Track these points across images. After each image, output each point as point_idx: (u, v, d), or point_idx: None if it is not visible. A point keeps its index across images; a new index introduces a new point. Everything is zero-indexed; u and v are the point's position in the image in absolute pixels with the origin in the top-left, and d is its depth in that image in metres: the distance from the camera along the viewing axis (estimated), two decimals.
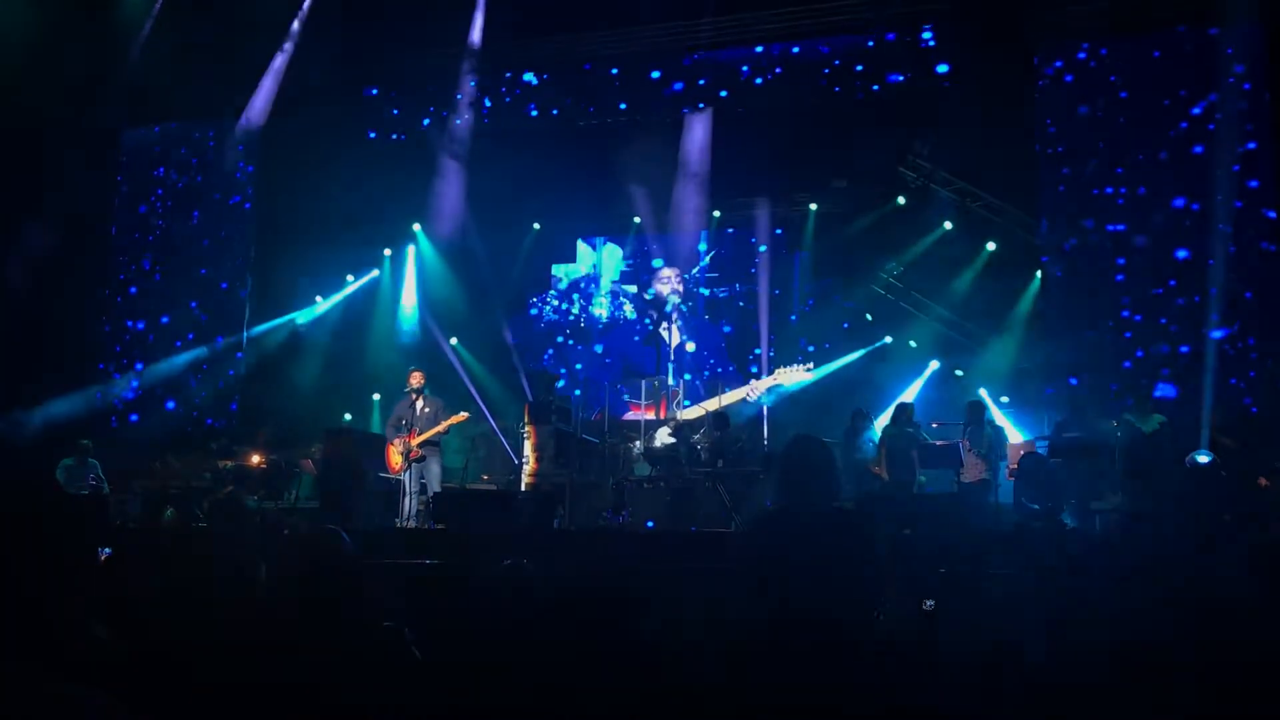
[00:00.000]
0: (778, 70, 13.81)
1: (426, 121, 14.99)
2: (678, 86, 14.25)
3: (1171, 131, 11.66)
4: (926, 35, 13.03)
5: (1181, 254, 11.45)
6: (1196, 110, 11.58)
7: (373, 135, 14.99)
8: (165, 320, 14.89)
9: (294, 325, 15.31)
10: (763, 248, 15.19)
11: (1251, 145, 11.26)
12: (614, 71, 14.21)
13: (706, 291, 15.71)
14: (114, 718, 1.40)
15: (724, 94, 14.07)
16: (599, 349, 16.02)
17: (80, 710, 1.38)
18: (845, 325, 14.75)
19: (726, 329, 15.48)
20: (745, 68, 13.96)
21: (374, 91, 14.89)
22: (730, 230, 15.70)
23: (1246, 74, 11.32)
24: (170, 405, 14.59)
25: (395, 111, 15.06)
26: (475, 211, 14.99)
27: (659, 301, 15.60)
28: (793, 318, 15.13)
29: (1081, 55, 12.20)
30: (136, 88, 13.91)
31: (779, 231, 15.34)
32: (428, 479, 10.25)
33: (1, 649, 1.66)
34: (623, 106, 14.40)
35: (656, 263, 15.74)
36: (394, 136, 15.06)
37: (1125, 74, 11.97)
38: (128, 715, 1.40)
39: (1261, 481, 8.87)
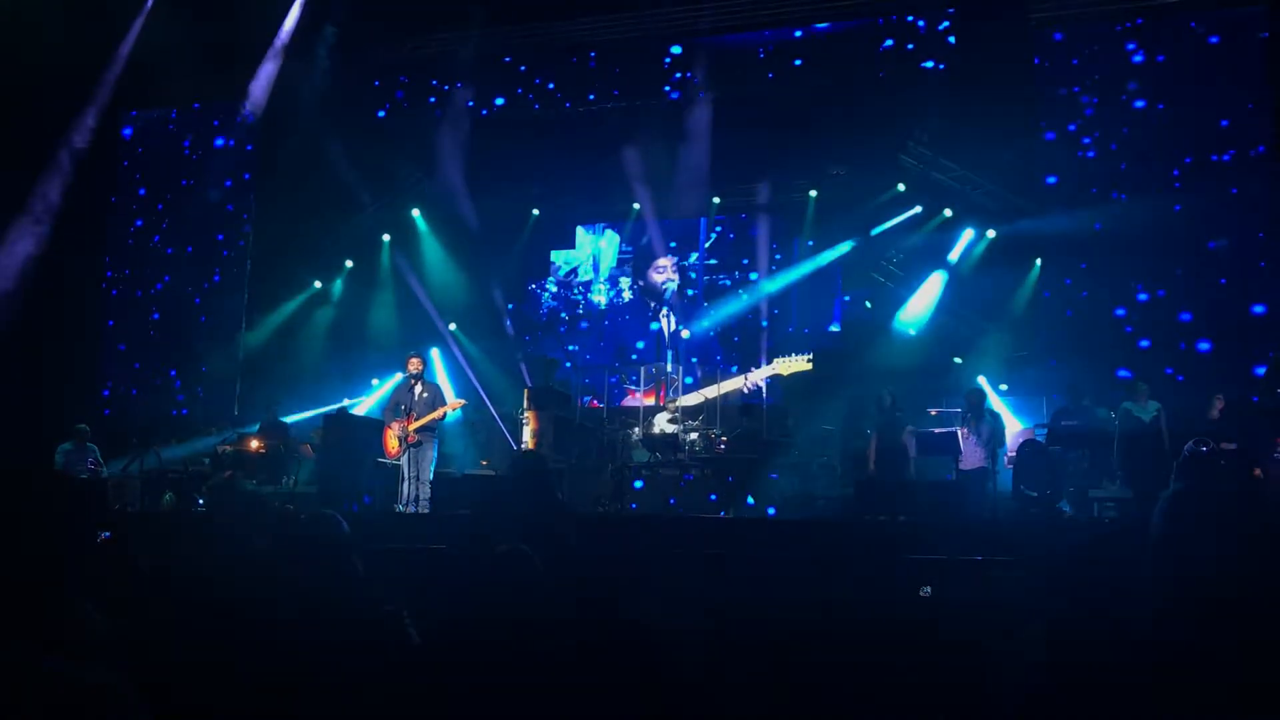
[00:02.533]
0: (777, 56, 13.75)
1: (426, 106, 14.94)
2: (677, 72, 14.19)
3: (1169, 114, 11.63)
4: (926, 20, 12.98)
5: (1186, 230, 11.44)
6: (1198, 89, 11.56)
7: (380, 114, 14.94)
8: (163, 301, 14.87)
9: (292, 309, 15.29)
10: (762, 234, 15.15)
11: (1250, 105, 11.25)
12: (614, 57, 14.14)
13: (706, 277, 15.69)
14: (117, 698, 1.40)
15: (724, 79, 14.00)
16: (598, 335, 16.01)
17: (84, 691, 1.38)
18: (845, 313, 14.72)
19: (725, 316, 15.45)
20: (745, 53, 13.89)
21: (373, 76, 14.82)
22: (729, 217, 15.66)
23: (1248, 52, 11.32)
24: (169, 390, 14.58)
25: (396, 95, 15.01)
26: (474, 197, 14.96)
27: (656, 288, 15.58)
28: (792, 304, 15.10)
29: (1083, 38, 12.16)
30: (136, 70, 13.87)
31: (779, 218, 15.30)
32: (422, 465, 10.26)
33: (6, 630, 1.66)
34: (621, 92, 14.34)
35: (653, 242, 15.71)
36: (391, 108, 15.01)
37: (1125, 55, 11.93)
38: (131, 695, 1.40)
39: (1256, 472, 8.86)
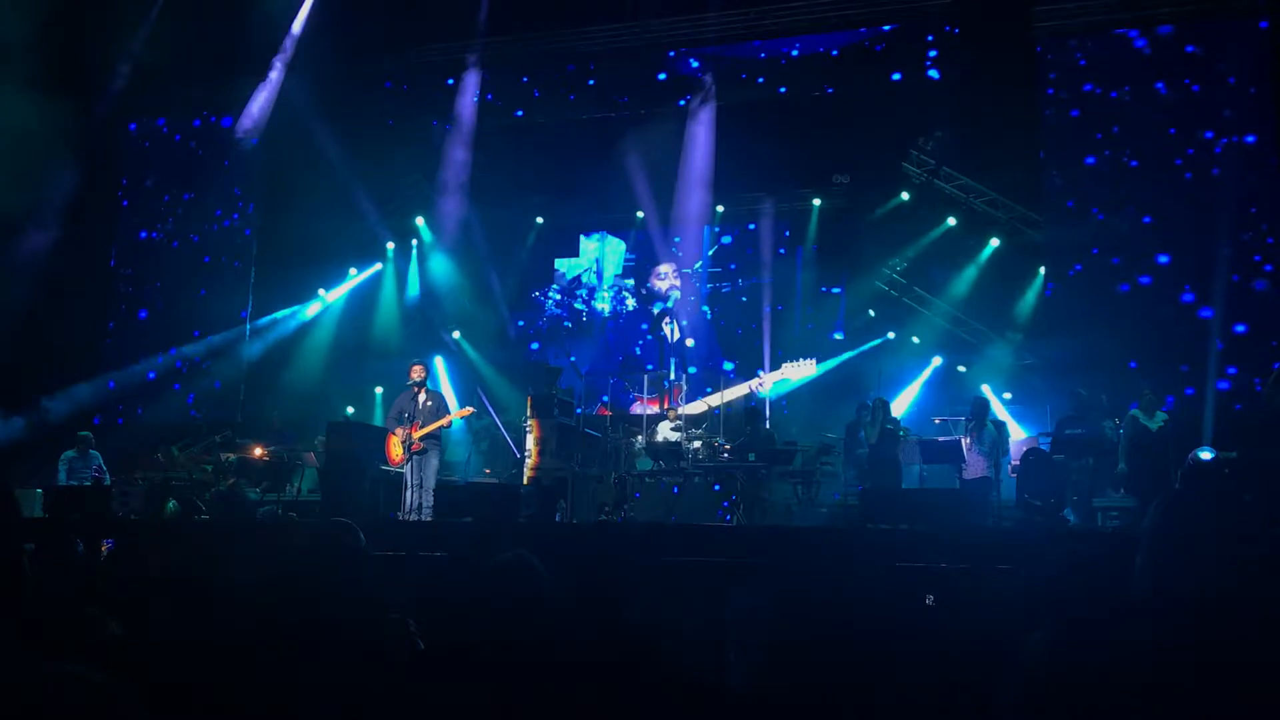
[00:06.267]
0: (782, 65, 13.79)
1: (430, 114, 14.99)
2: (682, 81, 14.23)
3: (1173, 127, 11.63)
4: (931, 30, 13.02)
5: (1189, 242, 11.42)
6: (1201, 102, 11.56)
7: (384, 123, 14.98)
8: (168, 309, 14.89)
9: (297, 318, 15.31)
10: (766, 243, 15.16)
11: (1250, 139, 11.26)
12: (618, 65, 14.18)
13: (709, 286, 15.70)
14: (120, 701, 1.40)
15: (728, 88, 14.04)
16: (601, 343, 16.02)
17: (85, 693, 1.38)
18: (848, 321, 14.72)
19: (728, 324, 15.46)
20: (750, 61, 13.92)
21: (378, 85, 14.87)
22: (733, 225, 15.68)
23: (1250, 65, 11.33)
24: (173, 398, 14.58)
25: (399, 104, 15.06)
26: (478, 205, 14.99)
27: (660, 296, 15.60)
28: (795, 313, 15.11)
29: (1086, 48, 12.17)
30: (142, 76, 13.92)
31: (782, 227, 15.31)
32: (426, 473, 10.22)
33: (11, 635, 1.67)
34: (626, 100, 14.39)
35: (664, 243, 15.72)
36: (395, 117, 15.06)
37: (1129, 67, 11.94)
38: (134, 700, 1.40)
39: None
